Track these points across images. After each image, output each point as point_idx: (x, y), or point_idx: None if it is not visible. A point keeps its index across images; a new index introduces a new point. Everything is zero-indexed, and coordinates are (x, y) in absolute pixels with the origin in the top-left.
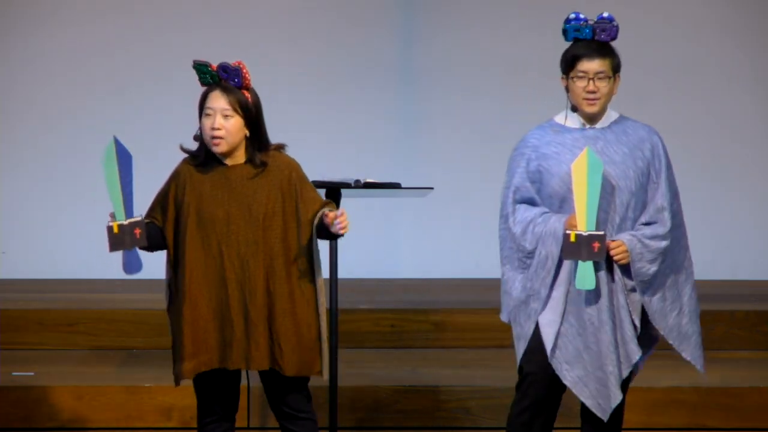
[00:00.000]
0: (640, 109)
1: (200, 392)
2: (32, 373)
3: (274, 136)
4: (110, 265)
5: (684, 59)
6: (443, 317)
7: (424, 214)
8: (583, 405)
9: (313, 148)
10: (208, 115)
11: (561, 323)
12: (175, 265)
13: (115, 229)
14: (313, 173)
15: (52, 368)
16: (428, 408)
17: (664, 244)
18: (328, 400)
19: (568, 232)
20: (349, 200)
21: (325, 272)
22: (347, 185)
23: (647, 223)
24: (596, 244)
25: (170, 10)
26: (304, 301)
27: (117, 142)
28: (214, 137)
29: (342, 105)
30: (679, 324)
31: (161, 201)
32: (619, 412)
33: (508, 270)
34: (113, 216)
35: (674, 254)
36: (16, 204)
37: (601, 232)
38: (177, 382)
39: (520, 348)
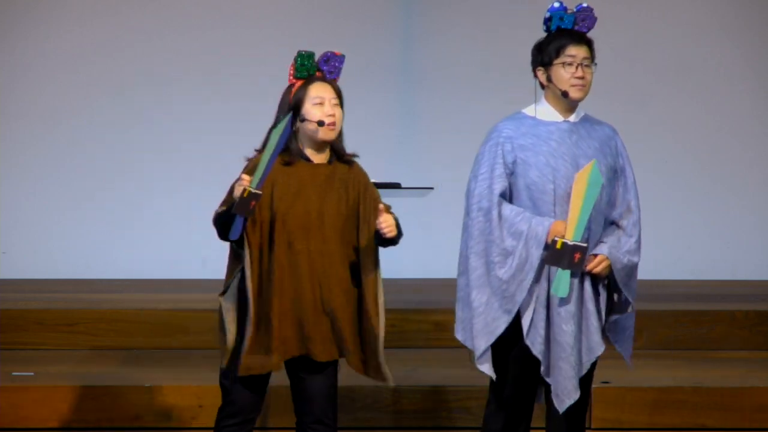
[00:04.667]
0: (641, 109)
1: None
2: (32, 373)
3: None
4: (110, 265)
5: (684, 59)
6: (443, 317)
7: (424, 214)
8: (546, 406)
9: None
10: (318, 104)
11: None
12: (249, 257)
13: (245, 194)
14: None
15: (52, 368)
16: (428, 408)
17: (636, 259)
18: None
19: (556, 239)
20: None
21: None
22: None
23: (617, 225)
24: (578, 255)
25: (170, 11)
26: (371, 299)
27: (290, 122)
28: (330, 123)
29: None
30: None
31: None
32: (581, 411)
33: (480, 265)
34: (248, 181)
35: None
36: (16, 204)
37: (585, 244)
38: (242, 373)
39: (482, 342)
